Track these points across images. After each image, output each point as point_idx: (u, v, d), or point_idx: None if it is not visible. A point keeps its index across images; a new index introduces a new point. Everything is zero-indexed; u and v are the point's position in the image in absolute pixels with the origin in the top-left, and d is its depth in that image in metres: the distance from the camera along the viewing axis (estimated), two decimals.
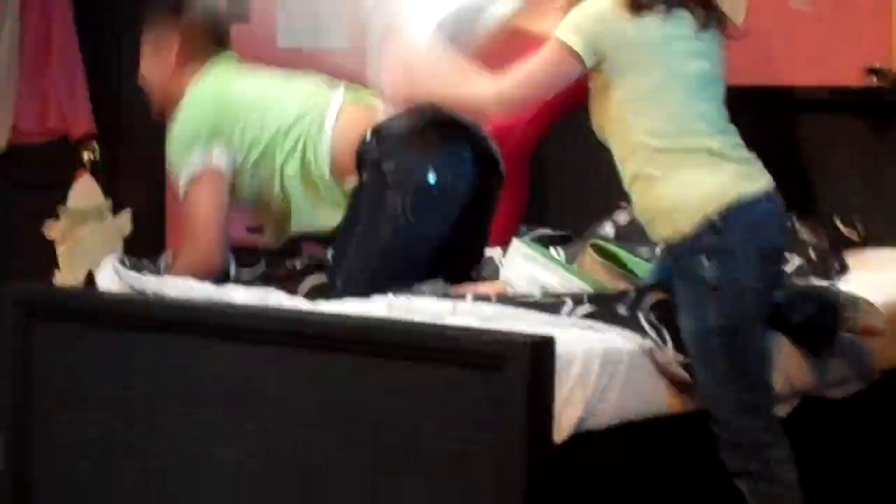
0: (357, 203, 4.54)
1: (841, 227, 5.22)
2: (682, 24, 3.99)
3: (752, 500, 3.97)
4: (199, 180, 4.59)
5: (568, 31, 3.97)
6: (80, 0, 6.55)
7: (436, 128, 4.53)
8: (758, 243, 3.95)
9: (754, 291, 3.95)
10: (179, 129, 4.63)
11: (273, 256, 4.77)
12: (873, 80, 6.22)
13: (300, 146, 4.59)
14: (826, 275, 4.89)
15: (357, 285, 4.40)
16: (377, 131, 4.54)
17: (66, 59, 6.49)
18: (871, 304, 4.39)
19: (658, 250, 4.39)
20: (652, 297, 4.13)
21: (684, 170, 3.92)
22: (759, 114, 5.18)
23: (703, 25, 4.01)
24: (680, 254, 3.96)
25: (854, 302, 4.39)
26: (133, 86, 6.41)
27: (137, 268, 4.59)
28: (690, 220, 3.89)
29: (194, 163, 4.59)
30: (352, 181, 4.57)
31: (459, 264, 4.63)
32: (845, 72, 6.20)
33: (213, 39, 4.80)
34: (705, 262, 3.89)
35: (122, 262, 4.60)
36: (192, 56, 4.73)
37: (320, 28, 6.60)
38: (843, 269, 5.01)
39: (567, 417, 3.71)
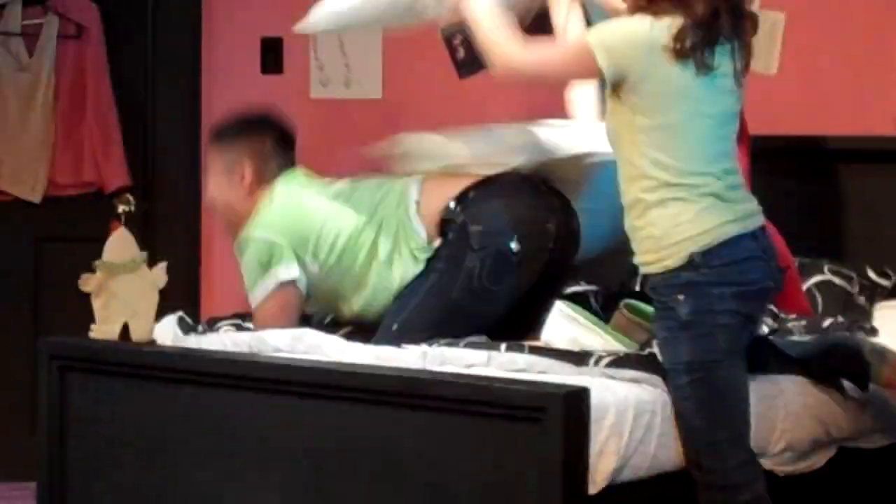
0: (431, 266, 4.57)
1: (873, 275, 5.19)
2: (722, 61, 3.94)
3: None
4: (271, 300, 4.62)
5: (601, 43, 3.91)
6: (114, 54, 6.55)
7: (525, 198, 4.60)
8: (734, 280, 3.90)
9: (726, 328, 3.89)
10: (253, 252, 4.63)
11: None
12: None
13: (387, 226, 4.62)
14: (859, 332, 4.86)
15: (412, 332, 4.42)
16: (463, 196, 4.59)
17: (101, 113, 6.51)
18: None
19: None
20: None
21: (683, 205, 3.88)
22: (794, 162, 5.18)
23: (739, 67, 3.99)
24: (658, 287, 3.92)
25: (881, 354, 4.38)
26: (167, 139, 6.50)
27: (195, 328, 4.68)
28: (674, 255, 3.86)
29: (267, 286, 4.61)
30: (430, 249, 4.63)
31: (516, 330, 4.58)
32: (877, 121, 6.21)
33: (283, 157, 4.83)
34: (680, 297, 3.86)
35: (185, 320, 4.71)
36: (264, 178, 4.76)
37: (352, 79, 6.60)
38: (874, 330, 4.96)
39: (602, 468, 3.71)
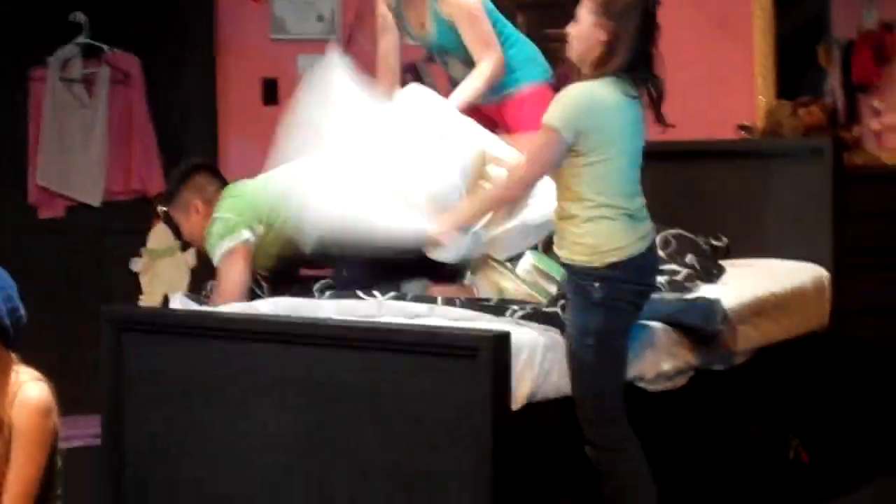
0: None
1: (713, 241, 5.21)
2: (637, 105, 3.89)
3: (601, 470, 3.91)
4: (229, 258, 4.59)
5: (559, 121, 3.81)
6: (153, 93, 6.52)
7: None
8: (637, 281, 3.92)
9: (625, 312, 3.91)
10: (214, 234, 4.62)
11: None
12: (743, 135, 6.24)
13: None
14: (709, 279, 4.88)
15: (357, 267, 4.44)
16: None
17: (143, 136, 6.48)
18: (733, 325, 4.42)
19: None
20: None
21: (608, 222, 3.84)
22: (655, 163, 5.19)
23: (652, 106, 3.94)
24: (579, 274, 3.87)
25: (724, 317, 4.40)
26: (194, 153, 6.46)
27: (197, 301, 4.62)
28: (599, 259, 3.83)
29: (224, 245, 4.59)
30: None
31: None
32: (721, 127, 6.23)
33: (215, 180, 4.79)
34: (596, 285, 3.83)
35: (188, 295, 4.67)
36: (211, 201, 4.72)
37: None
38: (721, 271, 4.99)
39: (520, 392, 3.75)
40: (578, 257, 3.88)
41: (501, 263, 4.45)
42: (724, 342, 4.44)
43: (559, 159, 3.86)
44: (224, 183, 4.80)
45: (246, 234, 4.60)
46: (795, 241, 5.31)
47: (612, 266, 3.84)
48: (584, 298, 3.87)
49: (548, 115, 3.85)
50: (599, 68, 3.86)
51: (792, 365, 5.07)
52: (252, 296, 4.62)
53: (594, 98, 3.83)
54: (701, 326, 4.32)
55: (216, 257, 4.62)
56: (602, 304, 3.84)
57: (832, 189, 5.29)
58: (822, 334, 5.18)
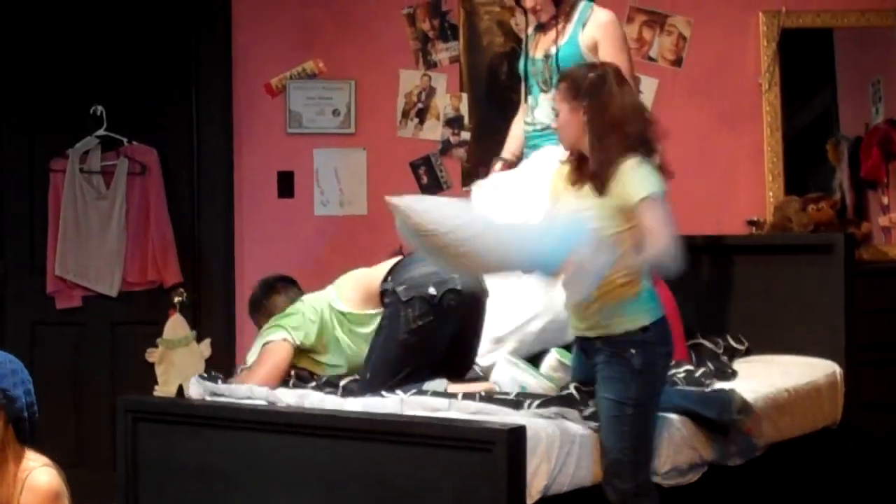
0: (380, 325, 4.61)
1: (731, 341, 5.21)
2: None
3: None
4: (277, 345, 4.66)
5: (656, 189, 3.89)
6: (169, 185, 6.56)
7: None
8: (666, 342, 3.99)
9: (661, 377, 3.98)
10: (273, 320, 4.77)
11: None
12: (752, 230, 6.26)
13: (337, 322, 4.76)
14: (723, 378, 4.87)
15: (380, 373, 4.46)
16: (389, 272, 4.65)
17: (160, 228, 6.50)
18: (755, 412, 4.41)
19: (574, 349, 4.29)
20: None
21: (638, 289, 3.93)
22: None
23: None
24: (615, 342, 3.92)
25: (747, 408, 4.41)
26: (210, 247, 6.49)
27: (213, 379, 4.62)
28: (636, 322, 3.90)
29: (279, 334, 4.68)
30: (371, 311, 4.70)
31: (458, 365, 4.64)
32: (731, 222, 6.25)
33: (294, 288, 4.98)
34: (633, 352, 3.89)
35: (203, 377, 4.66)
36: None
37: (345, 200, 6.62)
38: (734, 374, 4.98)
39: (536, 485, 3.73)
40: (621, 321, 3.92)
41: (523, 361, 4.48)
42: (747, 428, 4.42)
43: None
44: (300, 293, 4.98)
45: (283, 335, 4.69)
46: (807, 337, 5.30)
47: (645, 329, 3.91)
48: (621, 368, 3.91)
49: (652, 185, 3.88)
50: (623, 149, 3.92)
51: (804, 460, 5.04)
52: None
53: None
54: (715, 418, 4.31)
55: (265, 338, 4.71)
56: (641, 371, 3.89)
57: (844, 285, 5.29)
58: (834, 429, 5.16)
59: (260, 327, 4.91)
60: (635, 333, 3.92)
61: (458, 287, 4.54)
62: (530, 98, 5.09)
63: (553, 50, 4.95)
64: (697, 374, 4.74)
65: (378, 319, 4.65)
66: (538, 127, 5.01)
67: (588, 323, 4.01)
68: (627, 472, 3.92)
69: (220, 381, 4.59)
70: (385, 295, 4.63)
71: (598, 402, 3.97)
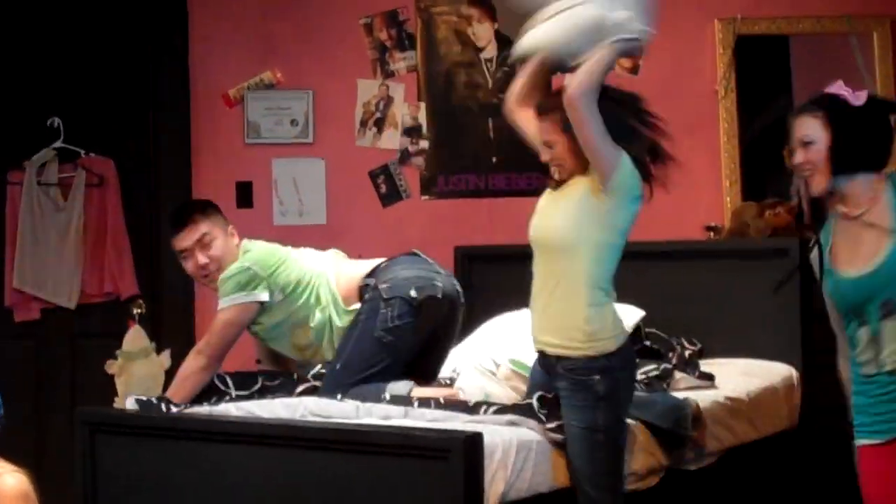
0: (357, 318, 4.68)
1: (686, 344, 5.24)
2: None
3: None
4: (234, 311, 4.68)
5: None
6: (127, 197, 6.56)
7: (417, 265, 4.74)
8: (630, 366, 4.01)
9: (626, 401, 4.00)
10: (235, 278, 4.71)
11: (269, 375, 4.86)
12: (711, 235, 6.30)
13: (322, 287, 4.78)
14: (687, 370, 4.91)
15: (351, 366, 4.54)
16: (373, 271, 4.76)
17: (117, 241, 6.50)
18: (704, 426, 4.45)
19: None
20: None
21: (607, 306, 3.94)
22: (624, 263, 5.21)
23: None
24: (577, 369, 3.91)
25: (698, 419, 4.44)
26: (168, 259, 6.47)
27: (148, 405, 4.51)
28: (603, 347, 3.89)
29: (237, 299, 4.69)
30: (354, 306, 4.75)
31: (426, 368, 4.74)
32: (689, 228, 6.29)
33: None
34: (597, 377, 3.88)
35: (139, 399, 4.57)
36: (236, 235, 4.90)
37: (304, 210, 6.63)
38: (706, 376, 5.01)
39: (493, 492, 3.75)
40: (577, 345, 3.90)
41: (488, 369, 4.51)
42: (696, 442, 4.47)
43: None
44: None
45: (263, 297, 4.72)
46: (764, 340, 5.35)
47: (609, 355, 3.89)
48: (586, 394, 3.90)
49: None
50: None
51: (763, 464, 5.09)
52: (217, 391, 4.66)
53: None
54: (672, 430, 4.35)
55: (224, 302, 4.71)
56: (607, 398, 3.89)
57: (799, 289, 5.34)
58: (791, 432, 5.20)
59: (211, 232, 4.82)
60: (598, 360, 3.90)
61: (438, 295, 4.61)
62: None
63: None
64: (656, 373, 4.76)
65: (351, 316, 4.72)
66: None
67: (550, 340, 3.99)
68: (607, 498, 3.95)
69: (157, 404, 4.53)
70: (366, 290, 4.71)
71: (567, 426, 3.96)
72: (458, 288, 4.78)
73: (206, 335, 4.78)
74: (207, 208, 4.92)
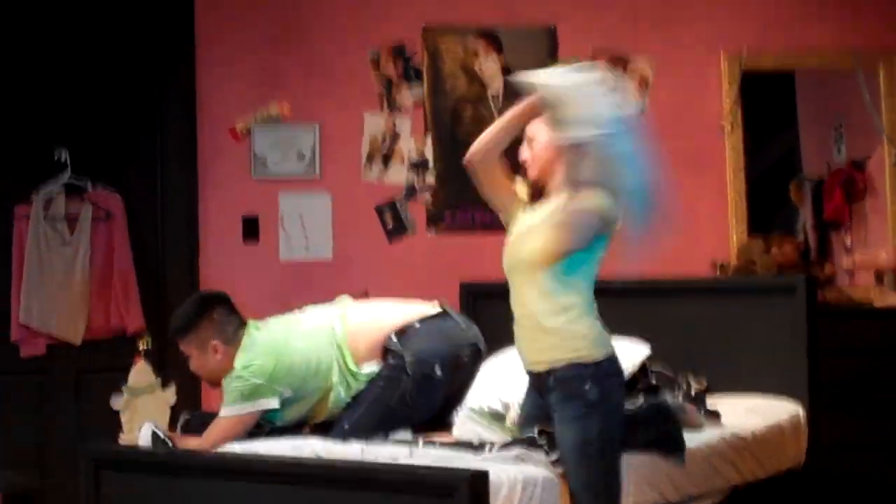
0: (374, 380, 4.64)
1: (693, 383, 5.25)
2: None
3: None
4: (238, 421, 4.58)
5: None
6: (134, 231, 6.58)
7: (447, 335, 4.70)
8: (619, 378, 4.03)
9: (618, 409, 4.00)
10: (238, 387, 4.58)
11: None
12: (717, 272, 6.33)
13: (328, 362, 4.65)
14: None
15: (360, 430, 4.50)
16: (402, 331, 4.68)
17: (124, 275, 6.52)
18: (691, 408, 4.46)
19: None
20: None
21: (594, 317, 3.99)
22: (631, 299, 5.23)
23: None
24: (566, 377, 3.94)
25: (681, 406, 4.46)
26: (174, 293, 6.51)
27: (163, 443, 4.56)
28: (591, 355, 3.93)
29: (243, 409, 4.57)
30: (370, 366, 4.67)
31: (436, 418, 4.71)
32: (695, 264, 6.32)
33: (232, 317, 4.74)
34: (587, 387, 3.92)
35: (158, 434, 4.59)
36: (230, 341, 4.68)
37: (310, 245, 6.66)
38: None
39: None
40: (571, 355, 3.94)
41: (485, 416, 4.53)
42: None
43: None
44: (241, 321, 4.76)
45: (269, 405, 4.59)
46: (770, 377, 5.36)
47: (597, 363, 3.93)
48: (578, 405, 3.93)
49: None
50: None
51: (769, 503, 5.10)
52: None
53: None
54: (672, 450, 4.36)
55: (226, 410, 4.59)
56: (598, 406, 3.91)
57: (806, 326, 5.35)
58: (797, 471, 5.22)
59: (186, 351, 4.72)
60: (588, 367, 3.93)
61: (464, 363, 4.65)
62: None
63: None
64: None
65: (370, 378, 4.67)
66: None
67: (538, 358, 4.03)
68: None
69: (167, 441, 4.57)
70: (390, 354, 4.65)
71: (560, 444, 3.99)
72: (480, 338, 4.76)
73: (206, 434, 4.63)
74: (186, 330, 4.72)
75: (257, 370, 4.58)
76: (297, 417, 4.71)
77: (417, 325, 4.71)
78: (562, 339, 3.96)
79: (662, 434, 4.36)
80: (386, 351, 4.68)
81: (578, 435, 3.94)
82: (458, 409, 4.76)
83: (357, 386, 4.66)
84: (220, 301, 4.78)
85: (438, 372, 4.58)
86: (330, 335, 4.70)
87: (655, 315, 5.56)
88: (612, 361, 3.99)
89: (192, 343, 4.71)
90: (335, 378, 4.65)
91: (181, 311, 4.77)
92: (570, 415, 3.96)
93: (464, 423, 4.58)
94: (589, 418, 3.92)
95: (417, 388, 4.56)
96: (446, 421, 4.74)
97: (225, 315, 4.72)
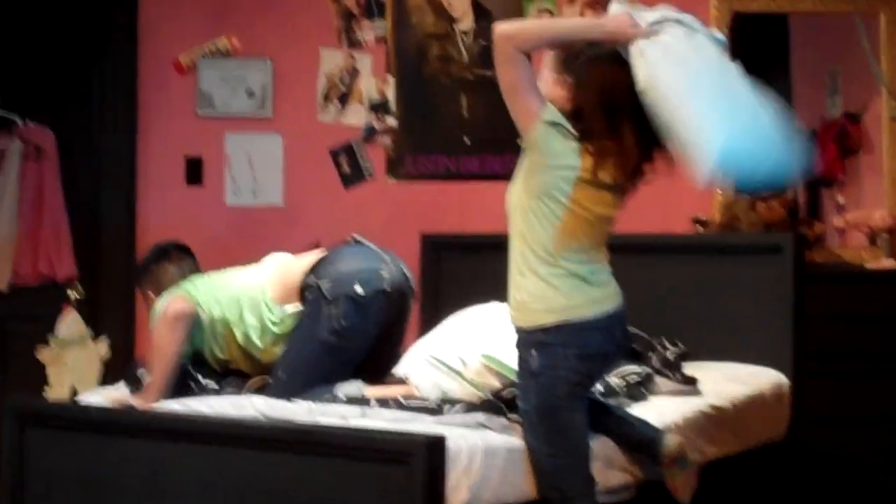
0: (299, 321, 4.63)
1: (667, 344, 5.24)
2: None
3: None
4: (168, 318, 4.62)
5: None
6: (66, 170, 6.53)
7: (360, 256, 4.67)
8: (579, 345, 3.92)
9: (567, 381, 3.92)
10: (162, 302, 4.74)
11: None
12: (698, 229, 6.31)
13: (253, 306, 4.70)
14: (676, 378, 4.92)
15: (298, 374, 4.49)
16: (313, 267, 4.67)
17: (55, 217, 6.48)
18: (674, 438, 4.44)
19: None
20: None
21: (557, 280, 3.88)
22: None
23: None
24: (519, 343, 3.94)
25: (662, 437, 4.42)
26: (109, 239, 6.48)
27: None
28: (536, 319, 3.89)
29: (164, 302, 4.68)
30: (291, 307, 4.67)
31: (378, 367, 4.68)
32: (676, 221, 6.30)
33: (191, 262, 5.01)
34: (533, 353, 3.90)
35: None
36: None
37: (259, 189, 6.63)
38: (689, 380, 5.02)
39: (455, 500, 3.73)
40: (520, 315, 3.93)
41: (444, 363, 4.50)
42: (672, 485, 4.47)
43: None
44: (198, 270, 5.01)
45: (186, 303, 4.67)
46: (752, 344, 5.36)
47: (545, 330, 3.88)
48: (522, 370, 3.94)
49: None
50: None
51: (746, 478, 5.11)
52: (186, 388, 4.64)
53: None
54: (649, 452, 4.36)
55: (155, 319, 4.70)
56: (537, 376, 3.88)
57: (793, 289, 5.35)
58: (778, 444, 5.23)
59: (147, 299, 4.95)
60: (533, 333, 3.90)
61: (387, 287, 4.59)
62: None
63: None
64: (636, 378, 4.78)
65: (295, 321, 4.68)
66: None
67: (512, 308, 4.00)
68: (552, 480, 3.94)
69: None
70: (307, 290, 4.65)
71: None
72: (409, 274, 4.75)
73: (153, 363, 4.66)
74: (142, 275, 5.05)
75: (184, 286, 4.79)
76: (202, 346, 4.74)
77: (328, 255, 4.74)
78: (512, 296, 3.96)
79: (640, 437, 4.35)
80: (302, 291, 4.69)
81: (522, 402, 3.96)
82: (401, 362, 4.77)
83: (276, 330, 4.67)
84: (181, 249, 5.05)
85: (359, 289, 4.55)
86: (256, 280, 4.79)
87: (629, 274, 5.49)
88: (568, 332, 3.89)
89: (149, 288, 4.96)
90: (247, 311, 4.69)
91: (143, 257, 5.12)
92: (519, 383, 3.99)
93: (423, 369, 4.54)
94: (527, 390, 3.92)
95: (343, 312, 4.54)
96: (388, 371, 4.73)
97: (184, 263, 4.99)
